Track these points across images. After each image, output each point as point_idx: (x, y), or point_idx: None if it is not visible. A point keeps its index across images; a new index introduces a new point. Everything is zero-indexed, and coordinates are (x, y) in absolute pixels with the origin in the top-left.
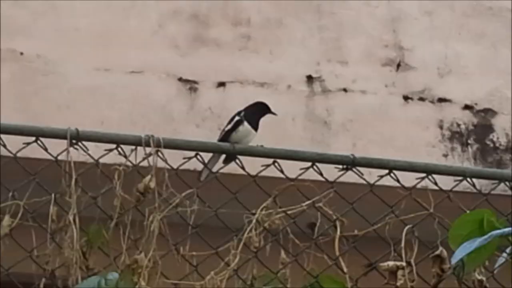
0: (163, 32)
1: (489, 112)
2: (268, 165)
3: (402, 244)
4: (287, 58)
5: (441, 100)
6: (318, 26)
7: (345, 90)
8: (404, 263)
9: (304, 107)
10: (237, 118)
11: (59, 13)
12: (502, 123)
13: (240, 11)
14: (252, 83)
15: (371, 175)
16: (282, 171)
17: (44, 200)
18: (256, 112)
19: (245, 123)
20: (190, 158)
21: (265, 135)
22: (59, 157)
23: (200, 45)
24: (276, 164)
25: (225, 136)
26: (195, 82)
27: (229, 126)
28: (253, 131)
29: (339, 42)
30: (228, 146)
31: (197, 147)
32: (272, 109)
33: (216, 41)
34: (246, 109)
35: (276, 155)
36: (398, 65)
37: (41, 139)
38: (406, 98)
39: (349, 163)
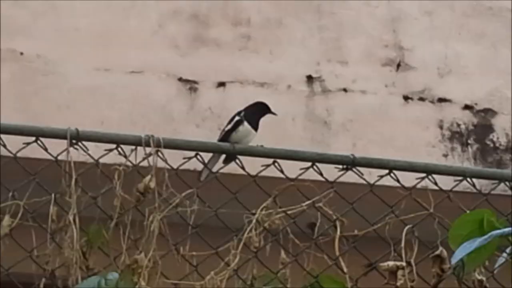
0: (163, 32)
1: (489, 112)
2: (268, 165)
3: (402, 244)
4: (287, 58)
5: (441, 100)
6: (318, 26)
7: (345, 90)
8: (404, 263)
9: (304, 107)
10: (237, 118)
11: (59, 13)
12: (502, 123)
13: (240, 11)
14: (252, 83)
15: (371, 175)
16: (282, 171)
17: (44, 200)
18: (256, 112)
19: (245, 123)
20: (190, 158)
21: (265, 135)
22: (59, 157)
23: (200, 45)
24: (276, 164)
25: (225, 136)
26: (195, 82)
27: (229, 126)
28: (253, 131)
29: (339, 42)
30: (228, 146)
31: (197, 147)
32: (272, 109)
33: (216, 41)
34: (246, 109)
35: (276, 155)
36: (398, 65)
37: (41, 139)
38: (406, 98)
39: (349, 163)
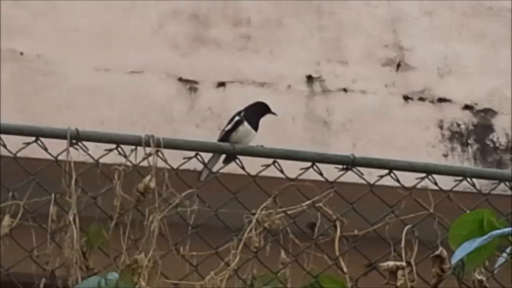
0: (163, 32)
1: (489, 112)
2: (268, 165)
3: (402, 244)
4: (287, 58)
5: (441, 100)
6: (318, 26)
7: (345, 90)
8: (404, 263)
9: (304, 107)
10: (237, 118)
11: (59, 13)
12: (502, 123)
13: (240, 11)
14: (252, 83)
15: (371, 175)
16: (282, 171)
17: (44, 200)
18: (256, 112)
19: (245, 123)
20: (190, 158)
21: (265, 135)
22: (59, 157)
23: (200, 45)
24: (276, 164)
25: (225, 136)
26: (195, 82)
27: (229, 126)
28: (253, 131)
29: (339, 42)
30: (228, 146)
31: (197, 147)
32: (272, 109)
33: (216, 41)
34: (246, 109)
35: (276, 155)
36: (398, 65)
37: (41, 139)
38: (406, 98)
39: (349, 163)
